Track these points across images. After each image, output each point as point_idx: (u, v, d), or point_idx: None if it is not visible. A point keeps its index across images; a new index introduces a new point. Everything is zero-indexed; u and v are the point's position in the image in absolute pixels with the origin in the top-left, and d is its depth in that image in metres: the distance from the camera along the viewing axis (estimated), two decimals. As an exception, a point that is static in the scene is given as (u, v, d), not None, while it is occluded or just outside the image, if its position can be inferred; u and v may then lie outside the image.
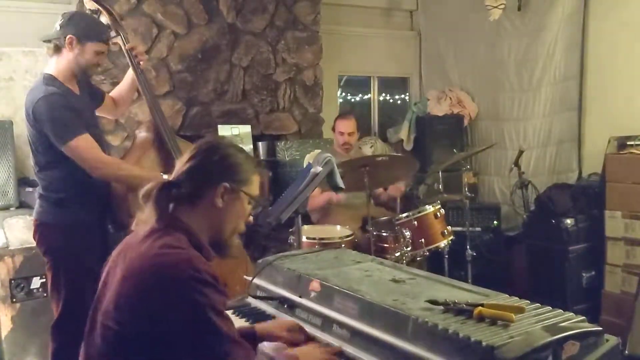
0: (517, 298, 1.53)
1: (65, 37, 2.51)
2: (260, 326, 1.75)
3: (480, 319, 1.37)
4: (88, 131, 2.52)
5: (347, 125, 4.00)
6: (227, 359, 1.37)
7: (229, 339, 1.38)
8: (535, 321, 1.36)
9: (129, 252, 1.47)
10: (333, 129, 4.10)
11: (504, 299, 1.54)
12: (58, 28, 2.55)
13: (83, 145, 2.47)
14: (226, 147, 1.60)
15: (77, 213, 2.55)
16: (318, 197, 3.75)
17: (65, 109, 2.46)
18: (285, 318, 1.83)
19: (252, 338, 1.65)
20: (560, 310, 1.44)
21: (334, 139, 4.11)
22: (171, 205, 1.51)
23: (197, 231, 1.51)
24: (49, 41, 2.58)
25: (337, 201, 3.80)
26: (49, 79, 2.53)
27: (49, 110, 2.42)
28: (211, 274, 1.39)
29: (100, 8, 2.92)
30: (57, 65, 2.57)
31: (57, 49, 2.56)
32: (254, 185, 1.61)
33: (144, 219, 1.52)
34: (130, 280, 1.38)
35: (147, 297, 1.35)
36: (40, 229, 2.58)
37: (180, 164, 1.56)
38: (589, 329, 1.35)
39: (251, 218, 1.64)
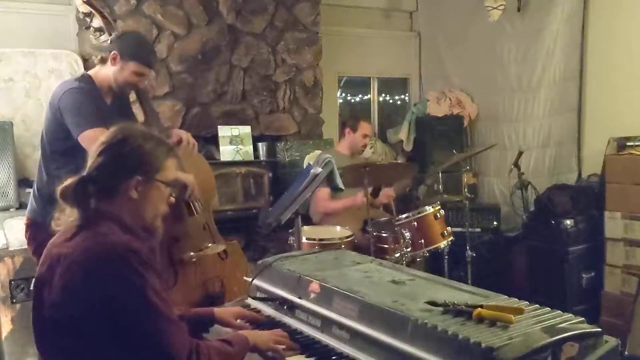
0: (516, 299, 1.54)
1: (110, 52, 2.58)
2: (218, 309, 1.85)
3: (480, 320, 1.37)
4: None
5: (370, 129, 4.14)
6: (162, 337, 1.41)
7: (165, 318, 1.43)
8: (534, 322, 1.37)
9: (62, 250, 1.48)
10: (353, 130, 3.99)
11: (503, 300, 1.54)
12: (109, 42, 2.66)
13: (98, 137, 2.48)
14: (135, 137, 1.60)
15: None
16: (339, 200, 3.66)
17: (90, 103, 2.51)
18: (283, 319, 1.84)
19: (210, 319, 1.80)
20: (560, 312, 1.44)
21: (352, 140, 4.01)
22: (92, 200, 1.53)
23: (123, 217, 1.54)
24: (99, 51, 2.64)
25: (361, 203, 3.58)
26: (85, 78, 2.60)
27: (75, 100, 2.47)
28: (147, 255, 1.46)
29: (93, 11, 2.91)
30: (99, 72, 2.64)
31: (103, 61, 2.63)
32: (169, 170, 1.63)
33: (66, 217, 1.55)
34: (70, 274, 1.42)
35: (90, 285, 1.40)
36: (31, 228, 2.58)
37: (92, 158, 1.58)
38: (588, 330, 1.36)
39: (173, 198, 1.66)
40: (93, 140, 2.44)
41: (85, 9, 3.05)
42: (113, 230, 1.49)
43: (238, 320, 1.84)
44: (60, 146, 2.53)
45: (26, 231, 2.61)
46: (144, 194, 1.57)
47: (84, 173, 1.56)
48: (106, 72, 2.61)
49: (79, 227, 1.50)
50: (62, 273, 1.45)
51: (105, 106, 2.64)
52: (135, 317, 1.41)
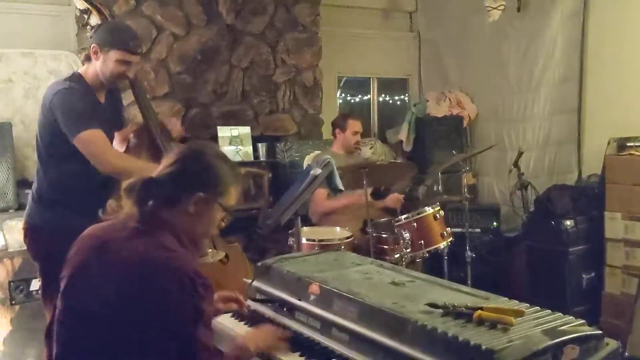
0: (516, 301, 1.53)
1: (91, 47, 2.49)
2: None
3: (480, 322, 1.37)
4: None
5: (360, 125, 4.08)
6: (204, 347, 1.49)
7: (209, 331, 1.53)
8: (534, 325, 1.36)
9: (122, 251, 1.49)
10: (342, 129, 4.01)
11: (503, 302, 1.53)
12: (89, 37, 2.57)
13: (94, 138, 2.41)
14: (212, 156, 1.64)
15: (69, 217, 2.36)
16: (338, 199, 3.68)
17: (83, 104, 2.43)
18: (283, 320, 1.84)
19: None
20: (560, 314, 1.43)
21: (343, 140, 4.02)
22: (150, 202, 1.55)
23: (179, 230, 1.57)
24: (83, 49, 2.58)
25: (360, 201, 3.63)
26: (76, 78, 2.51)
27: (66, 101, 2.39)
28: (205, 275, 1.51)
29: (90, 7, 2.87)
30: (88, 70, 2.55)
31: (87, 58, 2.55)
32: (231, 196, 1.66)
33: (123, 209, 1.57)
34: (134, 278, 1.45)
35: (151, 294, 1.43)
36: (30, 233, 2.52)
37: (166, 164, 1.61)
38: (589, 333, 1.35)
39: (223, 224, 1.69)
40: (89, 143, 2.42)
41: (82, 5, 3.02)
42: (174, 244, 1.52)
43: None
44: (58, 150, 2.46)
45: (25, 236, 2.54)
46: (201, 212, 1.59)
47: (154, 175, 1.58)
48: (93, 69, 2.51)
49: (138, 231, 1.52)
50: (121, 274, 1.46)
51: (99, 106, 2.56)
52: (189, 329, 1.46)
